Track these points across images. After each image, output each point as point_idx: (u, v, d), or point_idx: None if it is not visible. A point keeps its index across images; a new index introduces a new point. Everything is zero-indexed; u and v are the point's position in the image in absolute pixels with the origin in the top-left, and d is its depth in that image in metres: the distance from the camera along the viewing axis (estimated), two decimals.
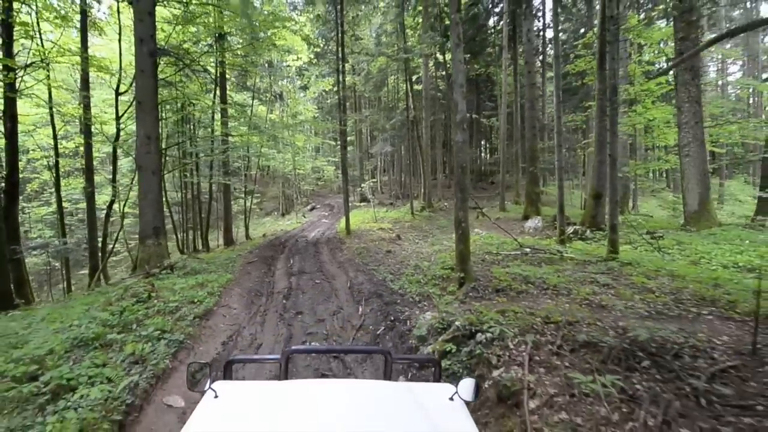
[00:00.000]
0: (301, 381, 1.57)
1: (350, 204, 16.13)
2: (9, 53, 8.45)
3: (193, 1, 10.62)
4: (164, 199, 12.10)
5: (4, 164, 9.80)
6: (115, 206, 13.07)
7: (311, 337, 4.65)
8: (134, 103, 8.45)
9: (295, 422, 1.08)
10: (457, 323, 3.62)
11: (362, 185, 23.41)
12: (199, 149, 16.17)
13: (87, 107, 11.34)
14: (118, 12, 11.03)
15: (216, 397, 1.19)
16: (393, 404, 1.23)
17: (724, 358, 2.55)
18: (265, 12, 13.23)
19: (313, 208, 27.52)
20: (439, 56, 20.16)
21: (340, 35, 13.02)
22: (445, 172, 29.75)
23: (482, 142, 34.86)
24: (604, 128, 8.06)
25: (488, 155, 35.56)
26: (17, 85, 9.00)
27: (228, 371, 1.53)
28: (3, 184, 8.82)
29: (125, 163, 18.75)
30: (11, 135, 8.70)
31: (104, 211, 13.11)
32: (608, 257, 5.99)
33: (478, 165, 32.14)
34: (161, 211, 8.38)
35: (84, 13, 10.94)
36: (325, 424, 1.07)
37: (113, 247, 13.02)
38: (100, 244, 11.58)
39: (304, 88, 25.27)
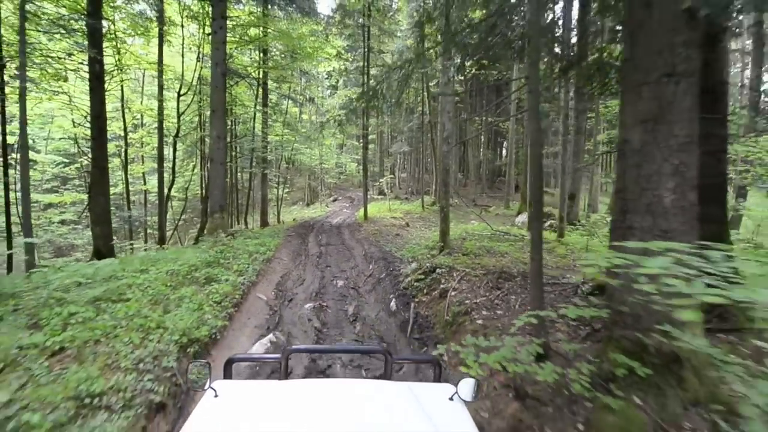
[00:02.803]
0: (301, 381, 1.56)
1: (369, 197, 18.50)
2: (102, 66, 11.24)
3: (250, 30, 13.24)
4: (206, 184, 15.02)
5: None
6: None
7: (337, 279, 7.05)
8: (209, 111, 11.09)
9: (294, 422, 1.09)
10: (426, 265, 5.93)
11: (380, 180, 25.79)
12: (241, 143, 18.93)
13: (161, 109, 14.20)
14: (183, 36, 13.85)
15: (216, 396, 1.20)
16: (393, 404, 1.24)
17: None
18: (305, 31, 15.68)
19: (335, 200, 30.16)
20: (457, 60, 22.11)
21: (366, 50, 15.35)
22: (461, 171, 31.69)
23: (504, 143, 36.41)
24: (579, 144, 10.07)
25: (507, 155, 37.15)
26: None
27: (228, 371, 1.52)
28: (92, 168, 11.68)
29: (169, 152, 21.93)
30: (101, 131, 11.53)
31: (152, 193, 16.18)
32: (555, 240, 8.11)
33: (497, 165, 33.81)
34: (225, 193, 11.01)
35: (161, 36, 13.75)
36: (325, 424, 1.08)
37: (179, 220, 15.98)
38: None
39: (334, 87, 27.81)
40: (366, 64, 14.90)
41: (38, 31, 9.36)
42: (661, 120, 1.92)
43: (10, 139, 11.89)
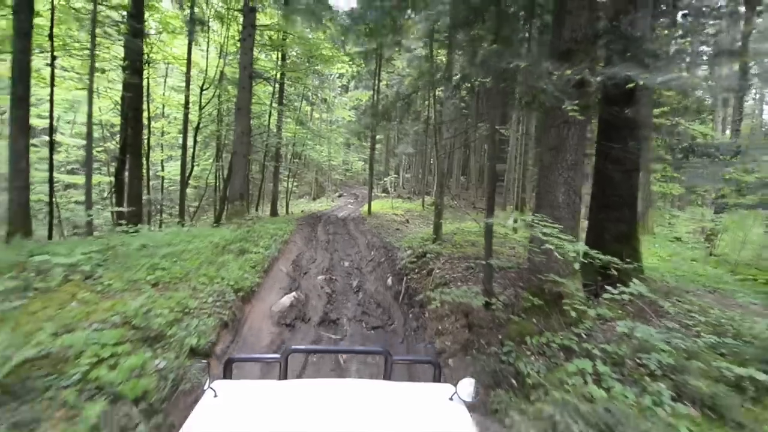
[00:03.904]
0: (301, 380, 1.63)
1: (373, 194, 19.74)
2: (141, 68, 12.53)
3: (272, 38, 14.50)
4: (221, 175, 16.34)
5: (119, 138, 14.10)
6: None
7: (343, 260, 8.27)
8: (235, 109, 12.35)
9: (294, 422, 1.10)
10: (419, 251, 7.15)
11: (385, 179, 27.01)
12: (254, 138, 20.19)
13: (187, 102, 15.49)
14: (208, 36, 15.15)
15: (215, 396, 1.20)
16: (392, 404, 1.25)
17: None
18: (321, 37, 16.91)
19: (340, 195, 31.43)
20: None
21: (378, 62, 16.55)
22: (464, 174, 32.84)
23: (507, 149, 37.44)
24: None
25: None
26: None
27: (227, 370, 1.53)
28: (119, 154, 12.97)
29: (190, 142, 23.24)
30: (137, 121, 12.82)
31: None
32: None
33: (498, 170, 34.93)
34: (245, 182, 12.27)
35: (191, 34, 15.02)
36: (325, 424, 1.09)
37: (199, 205, 17.34)
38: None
39: (345, 88, 29.05)
40: (378, 69, 16.10)
41: (82, 27, 10.57)
42: (560, 149, 3.11)
43: (41, 123, 13.25)
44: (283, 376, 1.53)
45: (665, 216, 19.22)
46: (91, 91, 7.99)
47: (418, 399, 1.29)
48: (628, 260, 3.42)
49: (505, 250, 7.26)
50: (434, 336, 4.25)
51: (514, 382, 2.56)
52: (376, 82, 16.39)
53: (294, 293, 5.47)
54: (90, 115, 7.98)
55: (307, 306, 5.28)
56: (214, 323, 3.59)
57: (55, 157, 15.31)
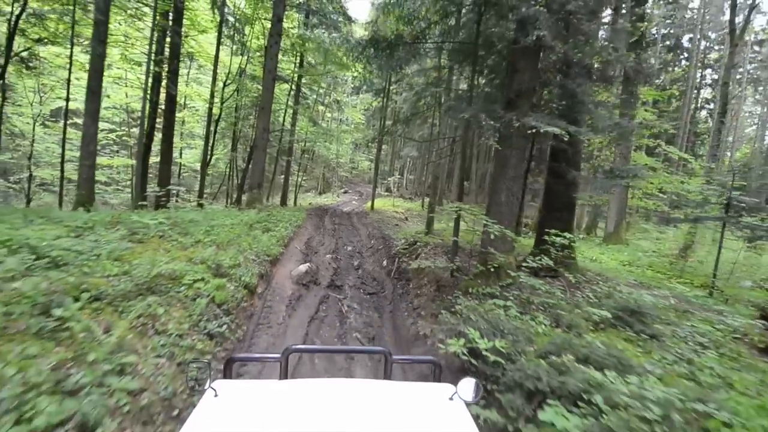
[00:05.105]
0: (301, 380, 1.55)
1: (377, 192, 21.20)
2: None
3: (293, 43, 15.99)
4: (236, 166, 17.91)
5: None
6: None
7: (347, 246, 9.71)
8: (258, 108, 13.82)
9: (294, 422, 1.10)
10: (411, 240, 8.60)
11: (388, 179, 28.47)
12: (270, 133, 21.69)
13: (212, 96, 16.96)
14: (232, 38, 16.68)
15: (216, 396, 1.21)
16: (393, 404, 1.26)
17: None
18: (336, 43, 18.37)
19: (345, 192, 32.91)
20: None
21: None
22: (468, 179, 34.26)
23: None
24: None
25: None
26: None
27: (228, 370, 1.54)
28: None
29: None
30: (171, 113, 14.33)
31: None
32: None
33: None
34: (263, 173, 13.75)
35: (219, 35, 16.53)
36: (325, 424, 1.09)
37: (218, 190, 18.89)
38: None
39: (357, 89, 30.50)
40: (387, 86, 17.54)
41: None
42: (504, 165, 4.53)
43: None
44: (284, 375, 1.54)
45: (650, 230, 20.65)
46: (157, 92, 9.46)
47: (418, 399, 1.30)
48: (559, 248, 4.84)
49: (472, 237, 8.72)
50: (414, 298, 5.69)
51: (454, 310, 3.98)
52: (385, 101, 17.85)
53: (308, 264, 6.93)
54: (144, 109, 9.46)
55: (318, 274, 6.73)
56: (255, 272, 5.05)
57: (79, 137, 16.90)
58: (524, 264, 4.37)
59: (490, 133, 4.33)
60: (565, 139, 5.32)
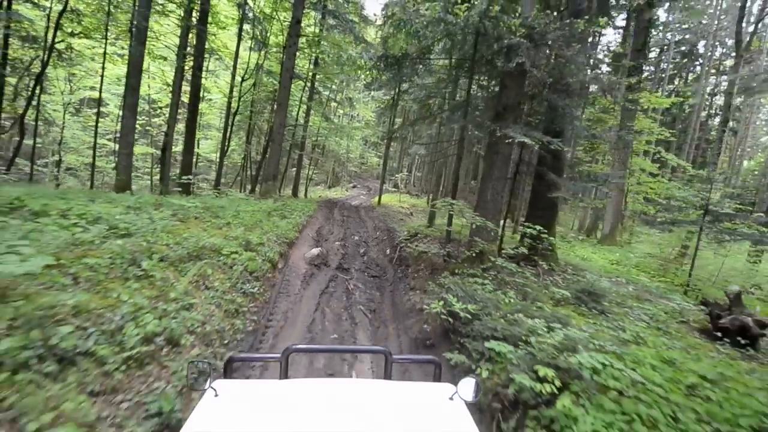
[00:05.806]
0: (301, 380, 1.56)
1: (384, 188, 22.03)
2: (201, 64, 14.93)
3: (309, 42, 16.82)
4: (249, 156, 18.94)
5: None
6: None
7: (354, 235, 10.58)
8: (275, 104, 14.72)
9: (294, 422, 1.11)
10: (413, 232, 9.44)
11: (396, 175, 29.27)
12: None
13: (231, 90, 17.91)
14: (252, 36, 17.56)
15: (216, 395, 1.21)
16: (393, 404, 1.26)
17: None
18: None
19: (354, 186, 33.83)
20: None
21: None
22: (475, 178, 34.97)
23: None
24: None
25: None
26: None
27: (228, 370, 1.55)
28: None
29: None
30: (195, 107, 15.28)
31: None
32: (511, 236, 11.48)
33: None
34: (278, 166, 14.68)
35: (240, 31, 17.44)
36: (325, 424, 1.10)
37: (235, 179, 19.97)
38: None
39: (368, 86, 31.31)
40: (397, 93, 18.22)
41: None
42: (491, 168, 5.32)
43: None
44: (284, 375, 1.55)
45: (649, 234, 21.20)
46: (179, 86, 10.39)
47: (418, 398, 1.31)
48: (530, 238, 5.65)
49: (467, 230, 9.52)
50: (411, 279, 6.55)
51: (440, 283, 4.82)
52: (396, 99, 18.56)
53: (319, 248, 7.82)
54: (176, 105, 10.40)
55: (328, 257, 7.62)
56: (276, 250, 5.96)
57: (106, 126, 17.95)
58: (504, 252, 5.17)
59: (476, 140, 5.12)
60: (543, 148, 6.09)
